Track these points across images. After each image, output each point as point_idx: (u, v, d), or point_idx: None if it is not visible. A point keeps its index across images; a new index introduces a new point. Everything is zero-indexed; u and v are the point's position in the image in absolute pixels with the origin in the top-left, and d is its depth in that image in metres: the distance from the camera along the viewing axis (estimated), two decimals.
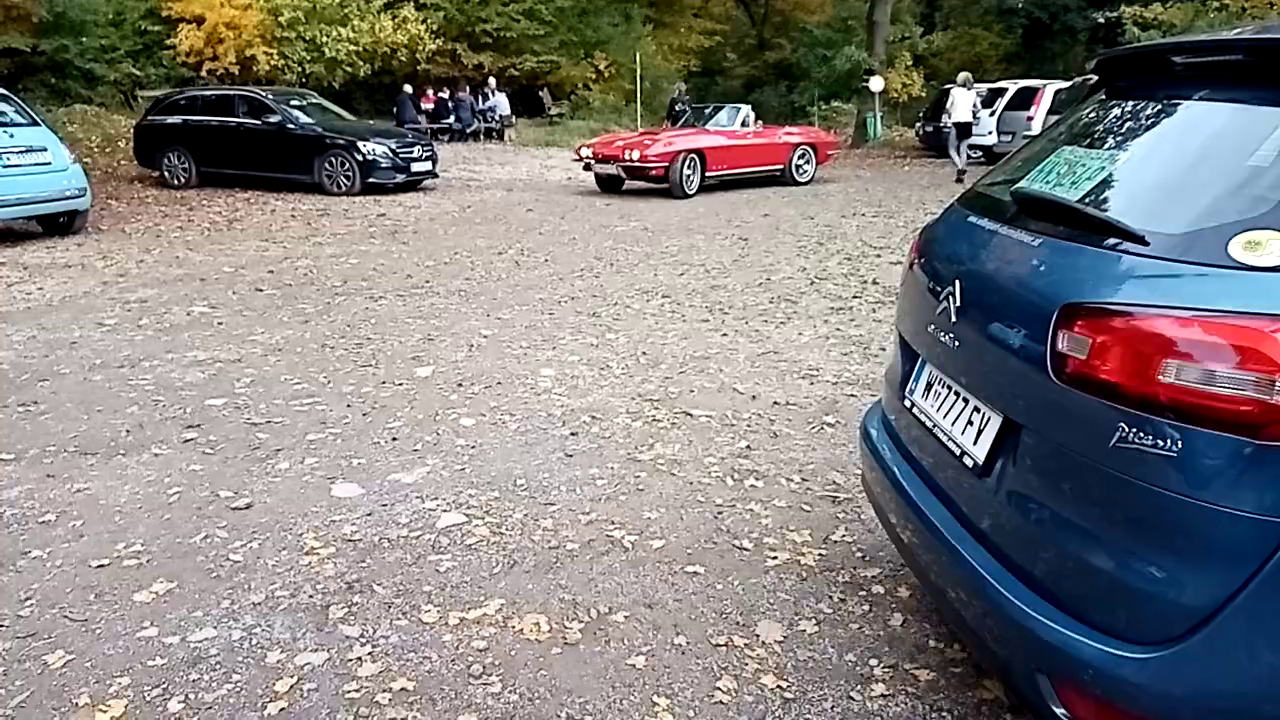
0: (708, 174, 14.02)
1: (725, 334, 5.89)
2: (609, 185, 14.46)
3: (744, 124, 15.25)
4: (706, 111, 16.59)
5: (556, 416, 4.37)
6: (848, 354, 5.39)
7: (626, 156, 13.47)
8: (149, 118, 15.32)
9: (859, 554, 3.05)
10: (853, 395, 4.63)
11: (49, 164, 9.96)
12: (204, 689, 2.36)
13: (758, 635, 2.58)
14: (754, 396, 4.64)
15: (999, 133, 18.79)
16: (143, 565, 3.00)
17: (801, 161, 15.48)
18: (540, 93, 26.41)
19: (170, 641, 2.57)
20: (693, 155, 13.75)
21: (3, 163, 9.48)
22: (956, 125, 16.35)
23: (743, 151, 14.69)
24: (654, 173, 13.45)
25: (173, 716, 2.26)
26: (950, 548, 1.99)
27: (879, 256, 8.64)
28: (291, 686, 2.37)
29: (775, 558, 3.01)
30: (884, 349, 5.31)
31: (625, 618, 2.67)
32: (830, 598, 2.78)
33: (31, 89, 18.39)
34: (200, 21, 20.10)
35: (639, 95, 24.04)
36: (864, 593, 2.81)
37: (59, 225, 10.37)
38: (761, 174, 15.04)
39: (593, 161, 14.14)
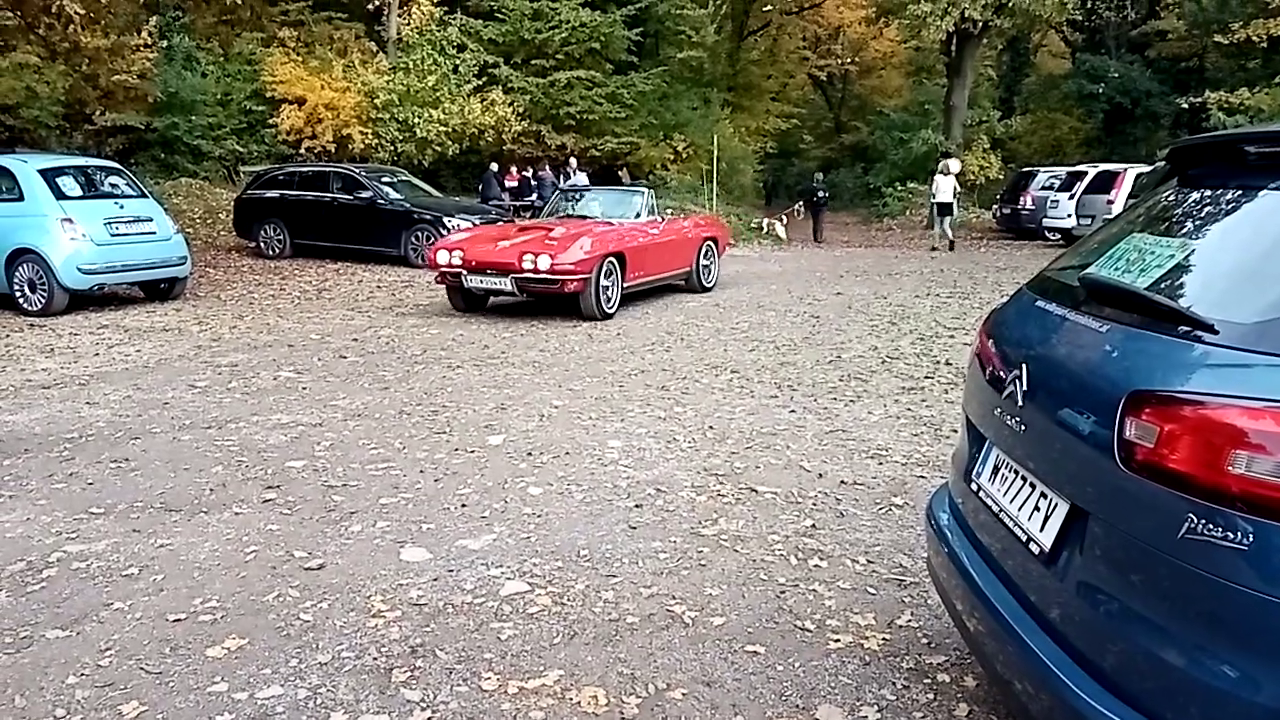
0: (626, 284, 10.11)
1: (793, 411, 5.87)
2: (471, 304, 10.19)
3: (647, 212, 11.15)
4: (581, 196, 12.41)
5: (622, 488, 4.40)
6: (918, 435, 5.32)
7: (525, 265, 9.13)
8: (248, 191, 16.12)
9: (925, 640, 2.99)
10: (922, 477, 4.56)
11: (154, 233, 10.55)
12: None
13: (817, 719, 2.53)
14: (821, 475, 4.61)
15: (1078, 216, 18.60)
16: (217, 621, 3.09)
17: (708, 262, 12.02)
18: (620, 172, 27.01)
19: (239, 698, 2.63)
20: (612, 260, 9.76)
21: (112, 231, 10.08)
22: (938, 205, 19.16)
23: (659, 252, 10.85)
24: (571, 288, 9.27)
25: None
26: (1016, 637, 1.95)
27: (953, 337, 8.55)
28: None
29: (838, 640, 2.97)
30: (955, 431, 5.21)
31: (683, 695, 2.65)
32: (894, 684, 2.72)
33: (143, 163, 19.52)
34: (301, 103, 21.18)
35: (715, 176, 24.41)
36: (929, 680, 2.74)
37: (160, 291, 10.94)
38: (669, 281, 11.50)
39: (464, 273, 9.54)
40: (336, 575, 3.44)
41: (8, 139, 17.24)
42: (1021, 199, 21.78)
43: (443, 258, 9.69)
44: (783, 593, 3.31)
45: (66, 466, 4.74)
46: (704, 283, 11.93)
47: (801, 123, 38.07)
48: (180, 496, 4.30)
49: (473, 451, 5.01)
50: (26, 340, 8.40)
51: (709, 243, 11.99)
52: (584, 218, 11.08)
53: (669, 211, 12.23)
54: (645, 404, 6.06)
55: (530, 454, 4.95)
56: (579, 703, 2.61)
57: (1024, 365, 2.11)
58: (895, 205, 27.62)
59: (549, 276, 9.18)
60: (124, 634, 3.00)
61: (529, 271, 9.18)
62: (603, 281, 9.63)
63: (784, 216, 23.60)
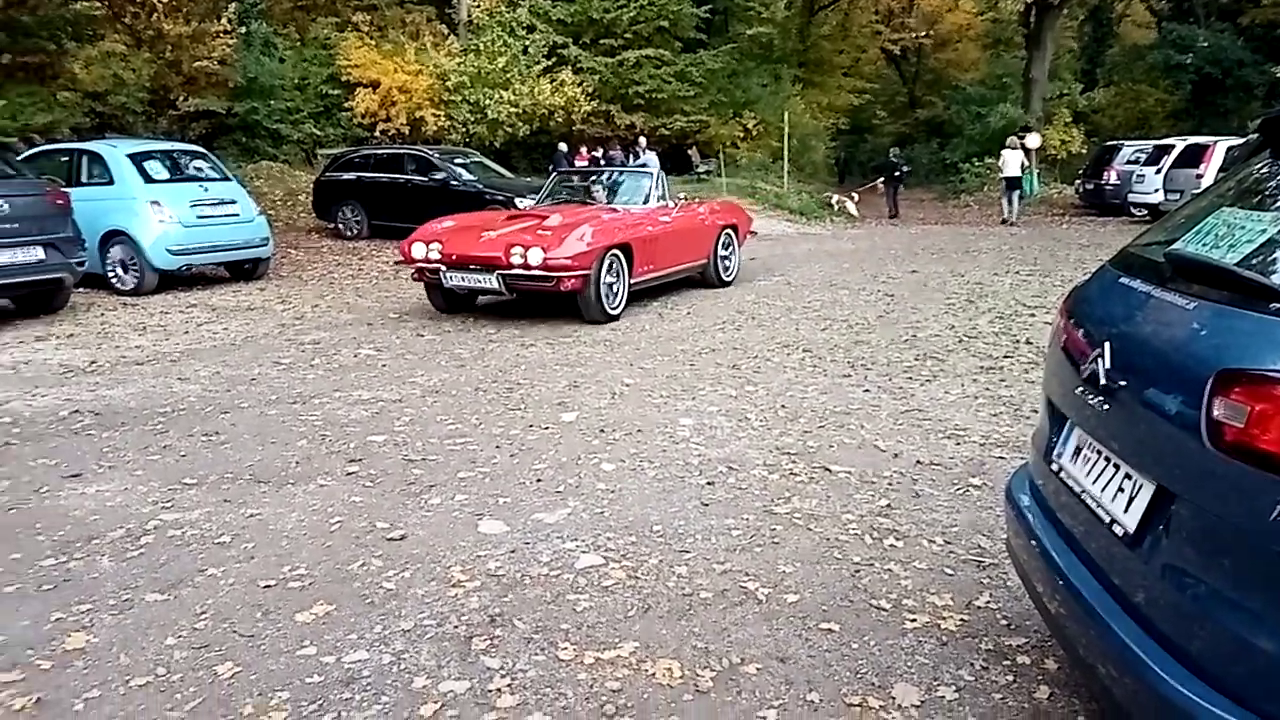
0: (633, 280, 8.69)
1: (867, 390, 5.82)
2: (453, 304, 8.89)
3: (659, 198, 9.71)
4: (582, 178, 11.23)
5: (694, 466, 4.43)
6: (997, 414, 5.23)
7: (513, 259, 7.81)
8: (326, 174, 16.50)
9: (1004, 622, 2.96)
10: (1001, 457, 4.49)
11: (238, 215, 10.89)
12: (355, 708, 2.51)
13: (893, 698, 2.54)
14: (896, 454, 4.57)
15: (1165, 191, 17.94)
16: (305, 588, 3.21)
17: (726, 253, 10.61)
18: (689, 151, 26.92)
19: (327, 661, 2.74)
20: (616, 253, 8.39)
21: (198, 214, 10.42)
22: (1006, 179, 19.75)
23: (671, 242, 9.39)
24: (568, 285, 7.90)
25: None
26: (1100, 620, 1.93)
27: (1033, 315, 8.35)
28: (435, 712, 2.49)
29: (914, 620, 2.96)
30: (1035, 410, 5.12)
31: (757, 670, 2.68)
32: (972, 665, 2.70)
33: (225, 147, 20.12)
34: (375, 86, 21.58)
35: (786, 153, 24.14)
36: (1008, 662, 2.72)
37: (244, 271, 11.30)
38: (682, 276, 10.02)
39: (443, 269, 8.25)
40: (417, 546, 3.55)
41: (98, 125, 17.90)
42: (1105, 174, 21.09)
43: (419, 251, 8.30)
44: (857, 572, 3.31)
45: (161, 439, 4.95)
46: (722, 276, 10.51)
47: (874, 98, 37.31)
48: (268, 468, 4.46)
49: (547, 428, 5.08)
50: (120, 319, 8.77)
51: (728, 231, 10.59)
52: (585, 203, 9.71)
53: (682, 196, 11.05)
54: (716, 382, 6.07)
55: (603, 431, 5.01)
56: (654, 674, 2.66)
57: (1107, 343, 2.07)
58: (973, 181, 26.96)
59: (541, 273, 7.78)
60: (218, 598, 3.14)
61: (518, 267, 7.80)
62: (605, 278, 8.20)
63: (855, 194, 23.26)
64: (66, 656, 2.77)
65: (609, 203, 9.62)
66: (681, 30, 26.76)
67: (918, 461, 4.46)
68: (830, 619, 2.96)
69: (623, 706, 2.50)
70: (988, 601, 3.08)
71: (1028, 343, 7.15)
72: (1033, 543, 2.32)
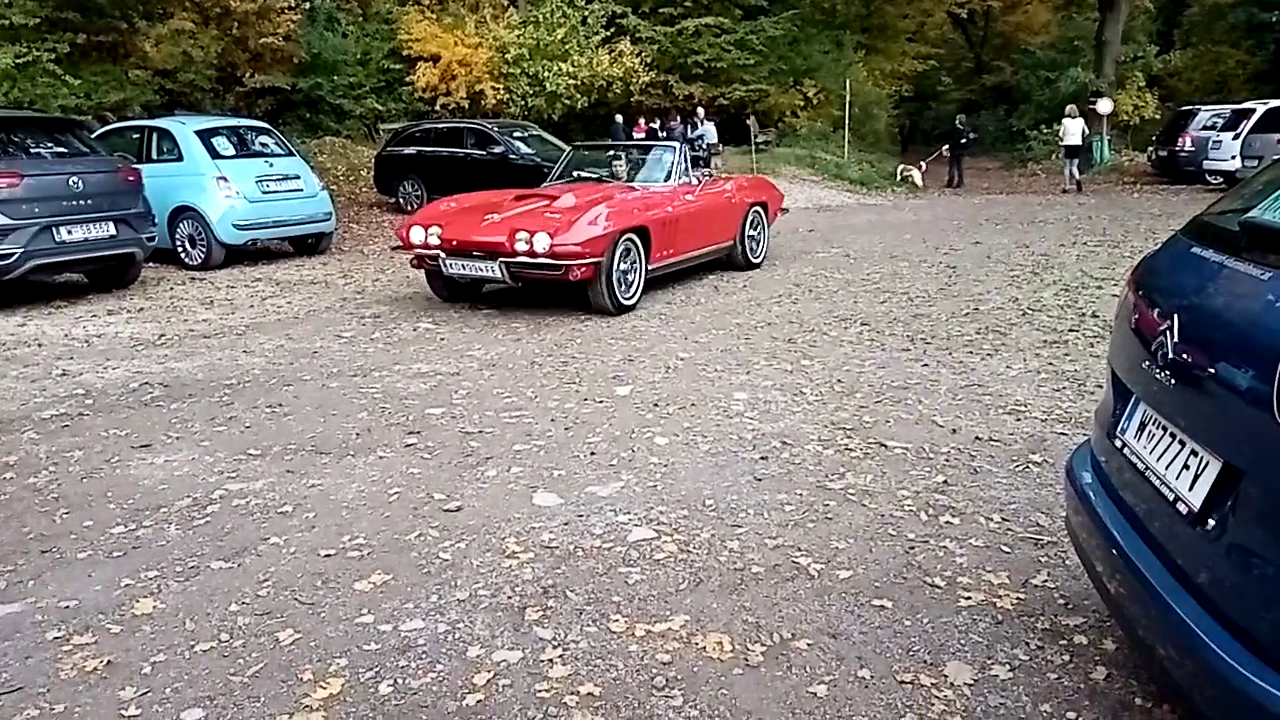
0: (650, 266, 7.95)
1: (926, 364, 5.73)
2: (456, 293, 8.27)
3: (680, 173, 8.92)
4: (595, 154, 10.22)
5: (748, 440, 4.40)
6: (1060, 390, 5.11)
7: (518, 246, 7.08)
8: (387, 149, 16.70)
9: (1061, 601, 2.90)
10: (1063, 434, 4.38)
11: (301, 191, 11.09)
12: (411, 675, 2.56)
13: (946, 676, 2.50)
14: (954, 430, 4.49)
15: (1243, 157, 17.24)
16: (364, 557, 3.28)
17: (754, 232, 9.83)
18: (747, 121, 26.63)
19: (384, 629, 2.79)
20: (632, 237, 7.64)
21: (263, 189, 10.63)
22: (1067, 148, 20.14)
23: (694, 223, 8.60)
24: (577, 274, 7.19)
25: (382, 698, 2.46)
26: (1161, 601, 1.87)
27: (1100, 288, 8.12)
28: (488, 681, 2.52)
29: (969, 598, 2.91)
30: (1100, 386, 4.99)
31: (808, 645, 2.66)
32: (1027, 644, 2.65)
33: (289, 123, 20.42)
34: (436, 60, 21.68)
35: (847, 122, 23.71)
36: (1065, 642, 2.66)
37: (308, 246, 11.51)
38: (706, 260, 9.26)
39: (442, 256, 7.52)
40: (473, 517, 3.59)
41: (168, 102, 18.30)
42: (1179, 140, 20.33)
43: (417, 235, 7.61)
44: (912, 548, 3.26)
45: (226, 411, 5.08)
46: (750, 258, 9.77)
47: (940, 64, 36.44)
48: (329, 440, 4.55)
49: (601, 401, 5.10)
50: (189, 293, 9.00)
51: (756, 209, 9.80)
52: (600, 181, 8.96)
53: (708, 172, 10.07)
54: (771, 356, 6.02)
55: (657, 405, 5.00)
56: (704, 648, 2.66)
57: (1176, 315, 2.00)
58: (1040, 149, 26.22)
59: (548, 261, 7.06)
60: (280, 567, 3.22)
61: (523, 254, 7.07)
62: (620, 265, 7.48)
63: (923, 163, 22.74)
64: (135, 621, 2.87)
65: (627, 180, 8.89)
66: None
67: (976, 437, 4.38)
68: (883, 595, 2.93)
69: (673, 679, 2.51)
70: (1045, 580, 3.02)
71: (1094, 316, 6.96)
72: (1093, 521, 2.27)
